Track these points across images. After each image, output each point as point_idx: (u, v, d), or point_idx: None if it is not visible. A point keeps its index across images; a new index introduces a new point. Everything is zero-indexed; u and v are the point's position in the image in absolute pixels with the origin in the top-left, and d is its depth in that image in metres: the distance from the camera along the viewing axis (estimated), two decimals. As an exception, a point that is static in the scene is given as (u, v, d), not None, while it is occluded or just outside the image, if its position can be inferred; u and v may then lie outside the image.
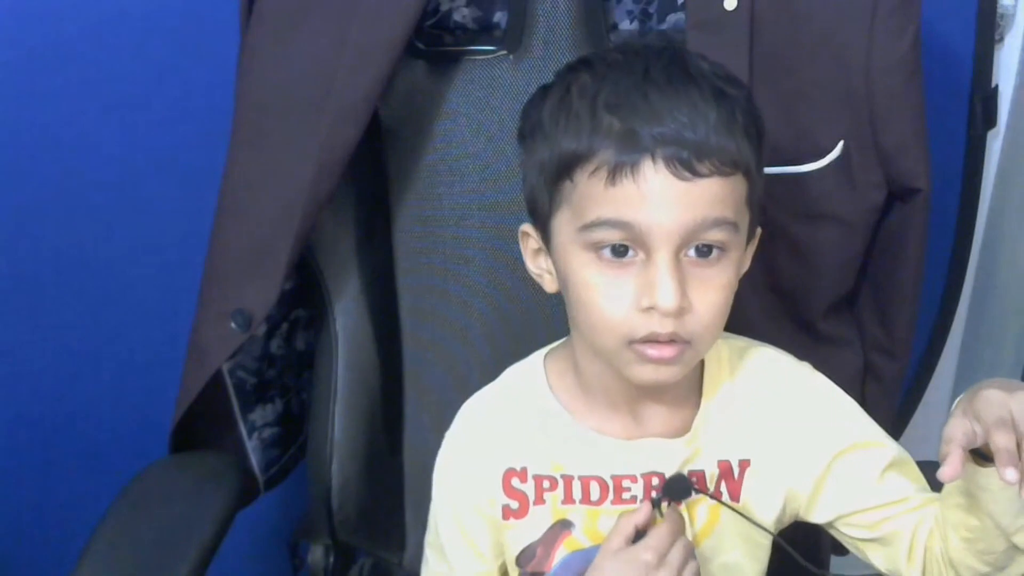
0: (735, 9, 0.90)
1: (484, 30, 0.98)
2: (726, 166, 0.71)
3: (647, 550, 0.76)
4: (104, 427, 1.35)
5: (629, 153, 0.70)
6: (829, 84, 0.92)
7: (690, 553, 0.78)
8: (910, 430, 1.33)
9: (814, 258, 0.98)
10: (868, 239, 0.99)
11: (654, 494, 0.81)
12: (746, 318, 0.98)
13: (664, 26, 0.96)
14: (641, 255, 0.72)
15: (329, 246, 1.04)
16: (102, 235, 1.26)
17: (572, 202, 0.74)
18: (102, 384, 1.33)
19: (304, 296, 1.08)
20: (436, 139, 1.01)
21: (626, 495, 0.82)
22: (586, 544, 0.83)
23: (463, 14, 0.98)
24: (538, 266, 0.82)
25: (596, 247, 0.73)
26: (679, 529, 0.79)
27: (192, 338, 1.02)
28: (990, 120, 1.21)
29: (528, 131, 0.79)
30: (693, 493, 0.81)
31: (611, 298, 0.73)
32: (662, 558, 0.76)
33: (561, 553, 0.84)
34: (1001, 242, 1.33)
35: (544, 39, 0.97)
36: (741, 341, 0.87)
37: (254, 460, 1.10)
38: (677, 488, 0.81)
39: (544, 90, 0.79)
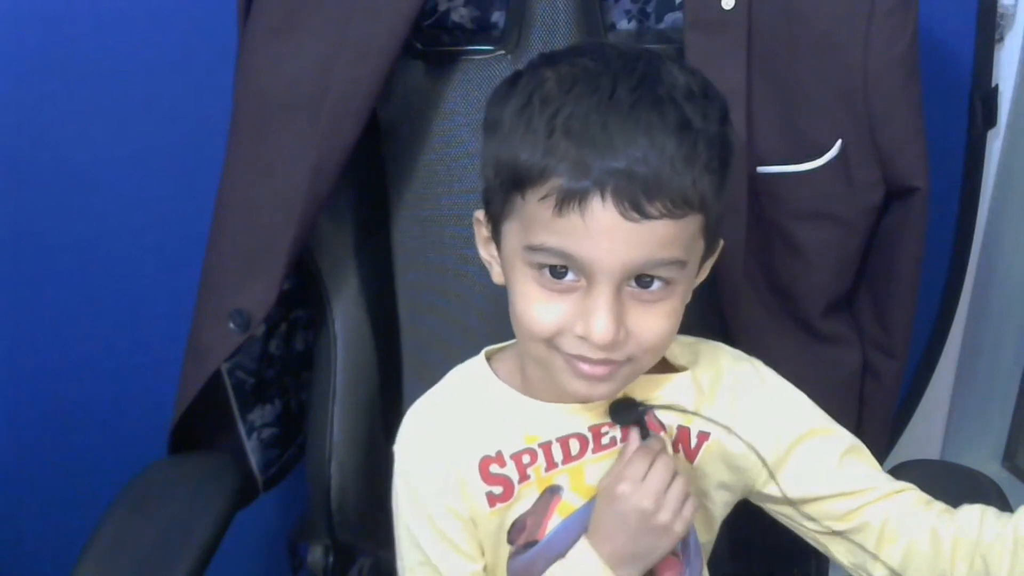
0: (733, 8, 0.90)
1: (482, 30, 0.98)
2: (678, 207, 0.69)
3: (644, 496, 0.76)
4: (104, 427, 1.35)
5: (578, 184, 0.68)
6: (827, 83, 0.92)
7: (687, 488, 0.77)
8: (910, 430, 1.33)
9: (812, 257, 0.98)
10: (866, 238, 0.99)
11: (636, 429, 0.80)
12: (744, 317, 0.98)
13: (662, 26, 0.96)
14: (583, 281, 0.72)
15: (328, 246, 1.04)
16: (102, 235, 1.26)
17: (521, 218, 0.73)
18: (102, 384, 1.33)
19: (303, 296, 1.09)
20: (434, 139, 1.01)
21: (604, 439, 0.82)
22: (577, 503, 0.82)
23: (461, 14, 0.98)
24: (489, 253, 0.81)
25: (538, 266, 0.73)
26: (669, 462, 0.78)
27: (191, 338, 1.02)
28: (990, 120, 1.21)
29: (490, 124, 0.76)
30: (644, 415, 0.80)
31: (547, 313, 0.73)
32: (660, 499, 0.76)
33: (555, 522, 0.83)
34: (1001, 242, 1.33)
35: (542, 39, 0.97)
36: (688, 339, 0.86)
37: (253, 460, 1.10)
38: (625, 412, 0.80)
39: (512, 83, 0.75)
